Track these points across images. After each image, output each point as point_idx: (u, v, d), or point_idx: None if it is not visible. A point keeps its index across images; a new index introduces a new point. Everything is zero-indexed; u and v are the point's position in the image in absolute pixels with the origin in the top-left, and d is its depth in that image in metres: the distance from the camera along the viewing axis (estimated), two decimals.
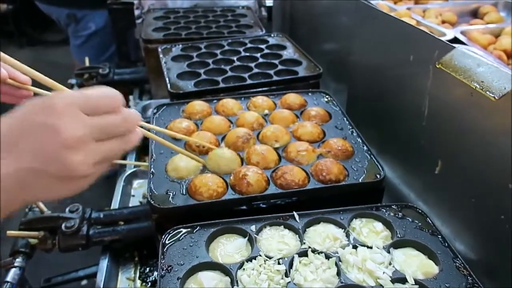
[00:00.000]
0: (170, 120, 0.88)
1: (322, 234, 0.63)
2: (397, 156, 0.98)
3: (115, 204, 0.99)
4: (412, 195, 0.93)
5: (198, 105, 0.91)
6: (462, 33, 1.27)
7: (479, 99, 0.63)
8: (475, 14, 1.57)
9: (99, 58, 2.06)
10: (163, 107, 0.93)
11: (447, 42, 0.73)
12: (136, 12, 1.64)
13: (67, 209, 0.87)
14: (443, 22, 1.47)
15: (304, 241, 0.62)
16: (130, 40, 1.86)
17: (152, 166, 0.76)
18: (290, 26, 1.75)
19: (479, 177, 0.68)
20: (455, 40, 1.24)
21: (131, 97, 1.52)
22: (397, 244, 0.62)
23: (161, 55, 1.20)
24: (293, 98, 0.95)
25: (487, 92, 0.59)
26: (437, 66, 0.71)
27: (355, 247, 0.60)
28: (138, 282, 0.85)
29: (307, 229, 0.65)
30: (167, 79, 1.07)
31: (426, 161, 0.82)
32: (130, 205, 1.02)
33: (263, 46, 1.28)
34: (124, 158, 1.23)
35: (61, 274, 1.18)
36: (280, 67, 1.15)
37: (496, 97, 0.58)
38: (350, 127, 0.88)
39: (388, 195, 1.01)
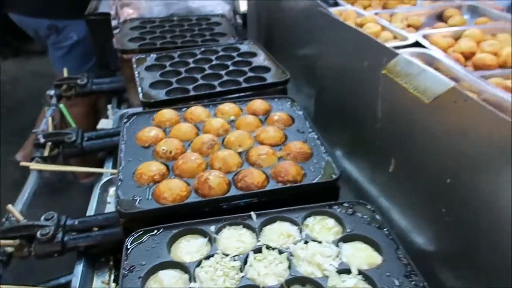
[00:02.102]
0: (140, 129, 0.92)
1: (277, 232, 0.68)
2: (360, 155, 1.03)
3: (90, 211, 1.02)
4: (374, 191, 0.98)
5: (167, 113, 0.96)
6: (424, 36, 1.33)
7: (421, 102, 0.68)
8: (440, 17, 1.64)
9: (82, 68, 2.09)
10: (133, 116, 0.98)
11: (393, 49, 0.78)
12: (113, 23, 1.68)
13: (42, 217, 0.90)
14: (409, 25, 1.53)
15: (259, 238, 0.66)
16: (110, 49, 1.89)
17: (120, 173, 0.80)
18: (265, 32, 1.80)
19: (425, 173, 0.74)
20: (417, 44, 1.30)
21: (109, 106, 1.56)
22: (346, 238, 0.67)
23: (134, 65, 1.25)
24: (258, 104, 1.00)
25: (421, 95, 0.65)
26: (383, 72, 0.76)
27: (306, 242, 0.65)
28: (113, 285, 0.89)
29: (264, 228, 0.69)
30: (139, 88, 1.11)
31: (382, 160, 0.88)
32: (106, 211, 1.06)
33: (234, 54, 1.32)
34: (101, 166, 1.27)
35: (42, 281, 1.21)
36: (249, 74, 1.19)
37: (428, 100, 0.63)
38: (311, 130, 0.93)
39: (354, 192, 1.07)
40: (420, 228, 0.81)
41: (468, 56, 1.22)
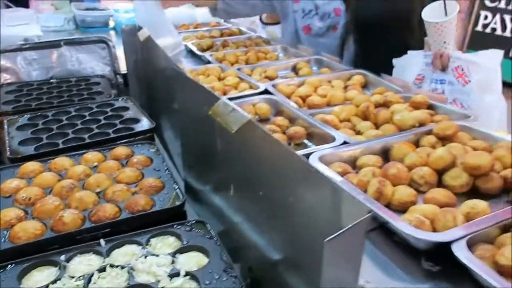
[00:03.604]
0: (2, 182, 0.98)
1: (123, 253, 0.79)
2: (219, 187, 1.20)
3: None
4: (236, 217, 1.13)
5: (31, 166, 1.03)
6: (273, 85, 1.60)
7: (236, 134, 0.88)
8: (294, 69, 1.96)
9: None
10: None
11: (217, 96, 0.98)
12: None
13: None
14: (266, 77, 1.80)
15: (105, 260, 0.76)
16: None
17: None
18: (146, 89, 1.96)
19: (248, 190, 0.91)
20: (266, 91, 1.57)
21: None
22: (182, 250, 0.80)
23: (5, 126, 1.30)
24: (120, 150, 1.12)
25: (229, 128, 0.84)
26: (209, 113, 0.95)
27: (146, 257, 0.77)
28: None
29: (112, 252, 0.80)
30: (7, 147, 1.17)
31: (226, 187, 1.05)
32: None
33: (108, 109, 1.45)
34: None
35: None
36: (119, 126, 1.32)
37: (233, 131, 0.82)
38: (166, 168, 1.07)
39: (222, 223, 1.21)
40: (269, 239, 0.97)
41: (305, 99, 1.50)
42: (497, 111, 1.59)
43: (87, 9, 2.86)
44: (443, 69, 1.64)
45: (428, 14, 1.61)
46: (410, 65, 1.73)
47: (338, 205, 0.59)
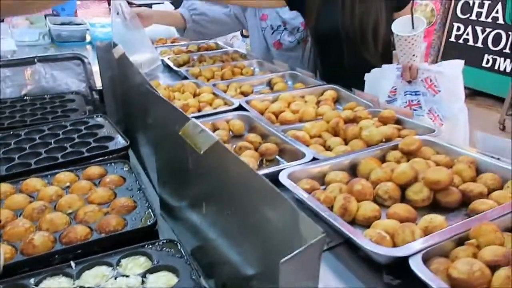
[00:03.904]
0: None
1: (93, 274, 0.80)
2: (194, 204, 1.21)
3: None
4: (212, 233, 1.15)
5: (1, 187, 1.03)
6: (247, 102, 1.64)
7: (206, 154, 0.90)
8: (270, 84, 2.00)
9: None
10: None
11: (188, 116, 1.00)
12: None
13: None
14: (241, 93, 1.84)
15: (75, 283, 0.77)
16: None
17: None
18: (122, 106, 1.97)
19: (219, 208, 0.94)
20: (240, 107, 1.60)
21: None
22: (153, 270, 0.82)
23: None
24: (93, 170, 1.13)
25: (198, 149, 0.86)
26: (180, 134, 0.97)
27: (116, 278, 0.78)
28: None
29: (83, 273, 0.81)
30: None
31: (198, 204, 1.07)
32: None
33: (82, 127, 1.45)
34: None
35: None
36: (93, 144, 1.33)
37: (201, 152, 0.85)
38: (138, 187, 1.09)
39: (199, 239, 1.23)
40: (240, 256, 0.99)
41: (278, 115, 1.54)
42: (463, 118, 1.68)
43: (62, 24, 2.85)
44: (410, 81, 1.72)
45: (395, 29, 1.68)
46: (384, 78, 1.80)
47: (297, 225, 0.62)
